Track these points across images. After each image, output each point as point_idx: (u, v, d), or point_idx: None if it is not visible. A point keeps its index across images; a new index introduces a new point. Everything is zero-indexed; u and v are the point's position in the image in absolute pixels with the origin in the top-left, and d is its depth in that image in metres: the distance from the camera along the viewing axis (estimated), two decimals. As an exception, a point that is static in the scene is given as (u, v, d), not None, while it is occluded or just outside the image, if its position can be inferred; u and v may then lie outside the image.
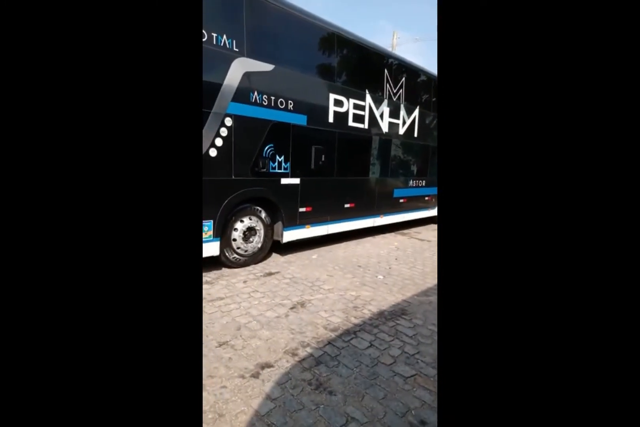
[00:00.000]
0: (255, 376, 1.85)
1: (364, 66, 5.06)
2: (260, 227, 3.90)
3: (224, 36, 3.31)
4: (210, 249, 3.39)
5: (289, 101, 3.91)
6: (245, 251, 3.76)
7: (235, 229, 3.65)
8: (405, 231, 6.50)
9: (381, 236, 5.97)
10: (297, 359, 2.03)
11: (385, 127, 5.46)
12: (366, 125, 5.07)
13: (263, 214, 3.92)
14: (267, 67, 3.66)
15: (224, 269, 3.63)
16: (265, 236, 3.96)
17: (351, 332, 2.38)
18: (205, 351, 2.06)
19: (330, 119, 4.48)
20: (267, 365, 1.95)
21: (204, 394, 1.68)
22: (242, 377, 1.83)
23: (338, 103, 4.55)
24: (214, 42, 3.24)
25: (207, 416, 1.54)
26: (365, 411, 1.62)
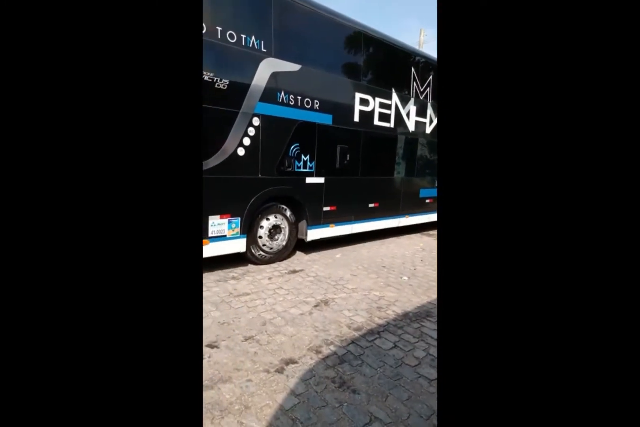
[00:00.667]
0: (280, 371, 1.88)
1: (390, 64, 5.00)
2: (285, 225, 3.95)
3: (253, 37, 3.37)
4: (237, 245, 3.47)
5: (315, 100, 3.93)
6: (271, 249, 3.83)
7: (261, 227, 3.72)
8: (432, 232, 6.37)
9: (406, 236, 5.88)
10: (320, 356, 2.04)
11: (411, 126, 5.37)
12: (392, 124, 5.01)
13: (288, 213, 3.97)
14: (294, 67, 3.69)
15: (249, 265, 3.70)
16: (290, 234, 4.01)
17: (375, 332, 2.37)
18: (231, 344, 2.12)
19: (356, 118, 4.47)
20: (292, 361, 1.98)
21: (231, 386, 1.73)
22: (267, 371, 1.87)
23: (364, 102, 4.52)
24: (243, 44, 3.31)
25: (234, 407, 1.58)
26: (389, 412, 1.61)
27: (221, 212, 3.30)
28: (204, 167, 3.12)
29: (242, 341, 2.16)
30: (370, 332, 2.38)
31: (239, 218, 3.44)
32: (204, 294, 2.89)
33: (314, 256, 4.30)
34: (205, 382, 1.75)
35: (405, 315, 2.69)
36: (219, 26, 3.12)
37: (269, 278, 3.35)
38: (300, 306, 2.74)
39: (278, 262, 3.89)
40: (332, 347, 2.15)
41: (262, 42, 3.42)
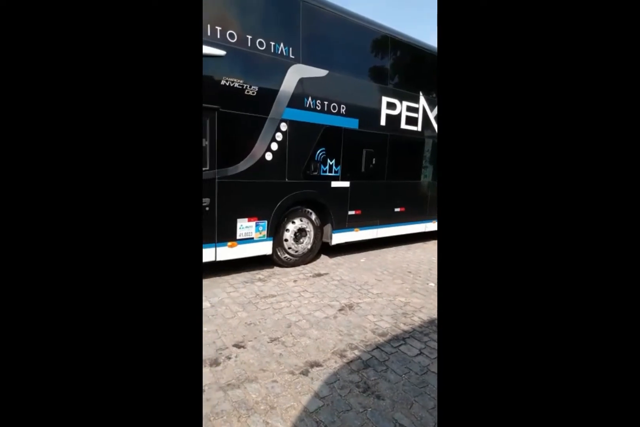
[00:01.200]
0: (305, 373, 1.90)
1: (417, 68, 4.95)
2: (310, 228, 3.99)
3: (281, 44, 3.45)
4: (264, 248, 3.54)
5: (342, 105, 3.96)
6: (296, 251, 3.87)
7: (287, 230, 3.78)
8: (459, 237, 6.19)
9: (433, 242, 5.76)
10: (345, 360, 2.05)
11: (439, 129, 5.28)
12: (419, 128, 4.95)
13: (313, 216, 4.01)
14: (322, 72, 3.74)
15: (275, 267, 3.76)
16: (315, 237, 4.04)
17: (400, 339, 2.35)
18: (257, 345, 2.16)
19: (382, 122, 4.45)
20: (316, 364, 1.99)
21: (257, 386, 1.77)
22: (292, 373, 1.89)
23: (390, 106, 4.50)
24: (272, 51, 3.40)
25: (260, 407, 1.62)
26: (414, 420, 1.59)
27: (249, 215, 3.38)
28: (234, 172, 3.22)
29: (268, 342, 2.20)
30: (396, 338, 2.36)
31: (266, 221, 3.51)
32: (232, 294, 2.97)
33: (339, 259, 4.31)
34: (232, 381, 1.80)
35: (432, 322, 2.64)
36: (249, 35, 3.22)
37: (294, 281, 3.39)
38: (324, 310, 2.75)
39: (303, 265, 3.93)
40: (356, 352, 2.14)
41: (291, 48, 3.49)
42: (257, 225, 3.45)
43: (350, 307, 2.83)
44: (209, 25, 2.97)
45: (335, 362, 2.03)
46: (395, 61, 4.57)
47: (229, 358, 2.01)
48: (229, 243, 3.28)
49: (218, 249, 3.21)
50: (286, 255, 3.79)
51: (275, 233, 3.63)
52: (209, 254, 3.17)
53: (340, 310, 2.76)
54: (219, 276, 3.38)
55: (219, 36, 3.04)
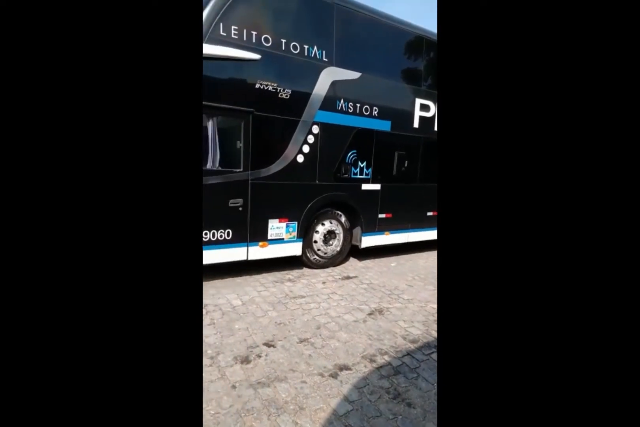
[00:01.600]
0: (334, 376, 1.88)
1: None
2: (340, 231, 3.97)
3: (315, 47, 3.49)
4: (294, 249, 3.57)
5: (374, 107, 3.93)
6: (325, 253, 3.87)
7: (317, 232, 3.79)
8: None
9: (466, 246, 5.56)
10: (374, 365, 2.01)
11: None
12: (454, 129, 4.81)
13: (343, 219, 3.99)
14: (354, 75, 3.74)
15: (304, 268, 3.78)
16: (344, 239, 4.02)
17: (432, 346, 2.27)
18: (287, 345, 2.18)
19: (415, 124, 4.37)
20: (345, 367, 1.97)
21: (286, 386, 1.77)
22: (321, 375, 1.88)
23: (424, 108, 4.41)
24: (306, 54, 3.43)
25: (289, 407, 1.62)
26: (448, 430, 1.53)
27: (280, 216, 3.43)
28: (267, 173, 3.28)
29: (297, 343, 2.21)
30: (427, 345, 2.29)
31: (296, 222, 3.54)
32: (263, 293, 3.01)
33: (368, 263, 4.26)
34: (262, 379, 1.82)
35: (466, 330, 2.53)
36: (283, 38, 3.28)
37: (323, 282, 3.39)
38: (354, 313, 2.72)
39: (332, 268, 3.92)
40: (386, 357, 2.10)
41: (324, 51, 3.52)
42: (287, 226, 3.49)
43: (380, 311, 2.79)
44: (245, 30, 3.06)
45: (365, 366, 1.99)
46: (429, 62, 4.48)
47: (259, 356, 2.03)
48: (261, 243, 3.34)
49: (250, 248, 3.28)
50: (315, 256, 3.80)
51: (305, 234, 3.65)
52: (241, 253, 3.24)
53: (369, 314, 2.72)
54: (250, 274, 3.44)
55: (254, 40, 3.12)
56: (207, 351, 2.06)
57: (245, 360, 1.99)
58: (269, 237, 3.38)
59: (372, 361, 2.06)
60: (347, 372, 1.93)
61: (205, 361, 1.96)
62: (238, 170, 3.13)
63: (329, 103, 3.59)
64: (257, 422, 1.52)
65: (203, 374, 1.83)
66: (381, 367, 2.00)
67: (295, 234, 3.54)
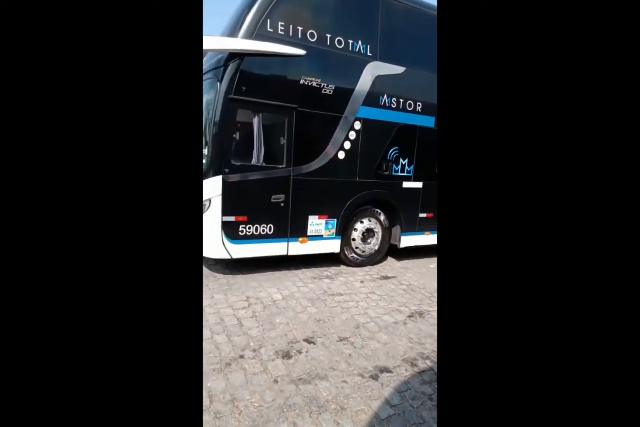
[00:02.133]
0: (374, 377, 1.85)
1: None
2: (378, 229, 3.91)
3: (359, 42, 3.42)
4: (332, 245, 3.56)
5: (418, 103, 3.80)
6: (363, 252, 3.83)
7: (355, 229, 3.75)
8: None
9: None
10: (416, 369, 1.96)
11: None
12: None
13: (382, 217, 3.92)
14: (398, 69, 3.62)
15: (342, 266, 3.76)
16: (383, 238, 3.95)
17: (477, 353, 2.17)
18: (327, 342, 2.17)
19: (462, 120, 4.17)
20: (386, 369, 1.93)
21: (327, 384, 1.77)
22: (362, 376, 1.86)
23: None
24: (350, 48, 3.37)
25: (330, 406, 1.62)
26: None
27: (320, 212, 3.42)
28: (308, 170, 3.28)
29: (337, 341, 2.20)
30: (472, 352, 2.19)
31: (335, 219, 3.52)
32: (302, 289, 3.04)
33: (407, 263, 4.16)
34: (303, 375, 1.83)
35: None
36: (328, 33, 3.24)
37: (361, 281, 3.35)
38: (393, 314, 2.67)
39: (370, 266, 3.87)
40: (428, 362, 2.03)
41: (368, 46, 3.44)
42: (326, 223, 3.48)
43: (421, 314, 2.71)
44: (291, 26, 3.05)
45: (406, 370, 1.95)
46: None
47: (300, 352, 2.05)
48: (300, 239, 3.36)
49: (290, 243, 3.31)
50: (353, 254, 3.77)
51: (343, 232, 3.63)
52: (281, 248, 3.28)
53: (409, 316, 2.66)
54: (290, 269, 3.48)
55: (300, 36, 3.11)
56: (250, 343, 2.11)
57: (287, 355, 2.01)
58: (309, 233, 3.39)
59: (413, 364, 2.00)
60: (387, 374, 1.89)
61: (248, 353, 2.01)
62: (281, 166, 3.16)
63: (371, 98, 3.52)
64: (299, 419, 1.53)
65: (246, 366, 1.88)
66: (423, 372, 1.94)
67: (334, 231, 3.53)
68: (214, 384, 1.72)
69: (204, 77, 3.28)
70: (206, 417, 1.50)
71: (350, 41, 3.37)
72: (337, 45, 3.30)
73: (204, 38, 2.71)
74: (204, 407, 1.55)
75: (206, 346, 2.05)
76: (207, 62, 3.50)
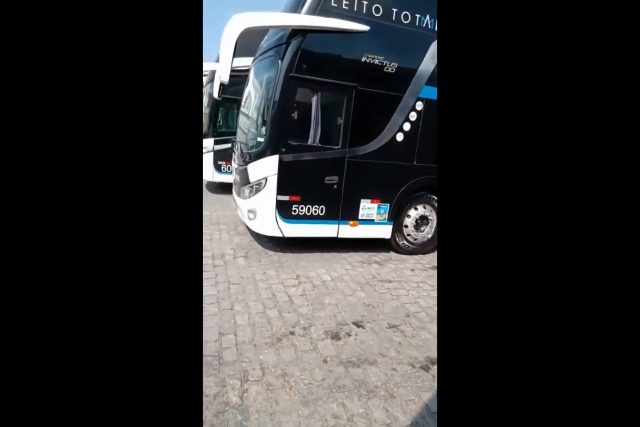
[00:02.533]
0: (425, 368, 1.80)
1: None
2: (433, 217, 3.72)
3: (427, 16, 3.16)
4: (384, 231, 3.47)
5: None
6: (415, 239, 3.69)
7: (408, 216, 3.61)
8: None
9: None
10: (470, 365, 1.86)
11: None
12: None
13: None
14: (470, 44, 3.32)
15: (391, 253, 3.67)
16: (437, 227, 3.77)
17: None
18: (376, 328, 2.15)
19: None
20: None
21: (376, 370, 1.75)
22: (412, 366, 1.82)
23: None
24: (417, 24, 3.14)
25: (380, 392, 1.60)
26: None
27: (372, 196, 3.33)
28: (364, 151, 3.18)
29: (387, 328, 2.16)
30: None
31: (389, 204, 3.41)
32: (351, 272, 3.02)
33: (460, 254, 3.95)
34: (352, 358, 1.83)
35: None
36: (394, 7, 3.03)
37: (412, 270, 3.25)
38: (446, 305, 2.56)
39: (420, 255, 3.73)
40: (483, 359, 1.93)
41: (437, 20, 3.17)
42: (379, 207, 3.38)
43: (476, 308, 2.57)
44: (356, 0, 2.90)
45: (460, 364, 1.86)
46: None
47: (349, 335, 2.04)
48: (351, 222, 3.31)
49: (341, 226, 3.28)
50: (404, 242, 3.65)
51: (396, 218, 3.51)
52: (332, 230, 3.27)
53: (463, 309, 2.53)
54: (338, 252, 3.47)
55: (364, 10, 2.94)
56: (300, 321, 2.15)
57: (336, 336, 2.02)
58: (360, 217, 3.33)
59: (467, 359, 1.91)
60: (439, 367, 1.82)
61: (299, 330, 2.04)
62: (336, 147, 3.09)
63: (436, 78, 3.27)
64: (348, 401, 1.53)
65: (297, 343, 1.92)
66: (478, 368, 1.84)
67: (386, 216, 3.42)
68: (266, 357, 1.78)
69: (266, 54, 3.26)
70: (259, 388, 1.56)
71: (418, 15, 3.13)
72: (403, 20, 3.08)
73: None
74: (256, 378, 1.62)
75: (258, 319, 2.12)
76: (268, 40, 3.47)
